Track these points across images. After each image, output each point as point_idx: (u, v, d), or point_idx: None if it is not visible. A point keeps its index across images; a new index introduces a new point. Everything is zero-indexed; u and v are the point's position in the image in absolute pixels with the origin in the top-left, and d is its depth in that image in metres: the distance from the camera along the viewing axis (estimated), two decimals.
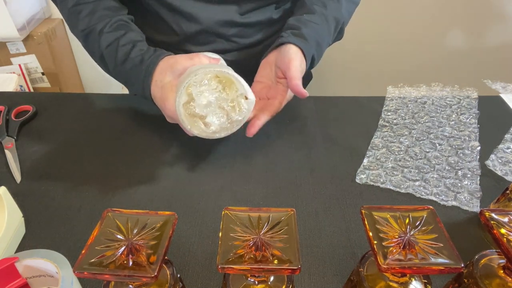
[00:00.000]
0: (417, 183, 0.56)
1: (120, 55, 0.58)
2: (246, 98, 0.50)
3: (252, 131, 0.55)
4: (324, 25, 0.62)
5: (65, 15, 0.63)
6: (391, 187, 0.55)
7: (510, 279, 0.33)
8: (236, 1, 0.65)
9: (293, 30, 0.60)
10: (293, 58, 0.56)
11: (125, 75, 0.59)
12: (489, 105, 0.73)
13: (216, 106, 0.50)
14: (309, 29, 0.60)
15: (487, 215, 0.34)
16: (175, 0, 0.63)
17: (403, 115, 0.69)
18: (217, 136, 0.51)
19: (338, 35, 0.68)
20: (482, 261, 0.36)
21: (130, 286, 0.33)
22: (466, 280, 0.36)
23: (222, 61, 0.57)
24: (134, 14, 0.66)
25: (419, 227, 0.33)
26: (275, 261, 0.30)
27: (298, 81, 0.55)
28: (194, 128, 0.50)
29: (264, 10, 0.69)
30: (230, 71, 0.50)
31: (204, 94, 0.49)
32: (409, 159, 0.60)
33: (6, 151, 0.61)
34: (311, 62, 0.61)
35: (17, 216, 0.48)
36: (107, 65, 0.61)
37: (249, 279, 0.34)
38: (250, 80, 0.56)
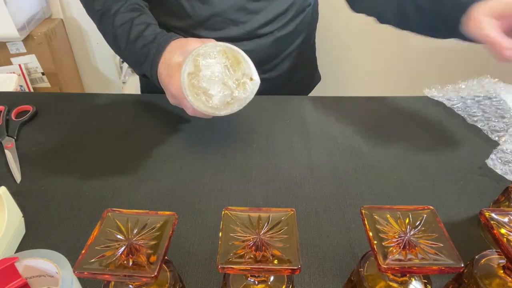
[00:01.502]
0: None
1: (134, 33, 0.59)
2: (251, 80, 0.51)
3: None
4: None
5: None
6: None
7: (510, 279, 0.33)
8: None
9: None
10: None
11: (135, 53, 0.60)
12: None
13: (220, 80, 0.50)
14: None
15: (487, 215, 0.34)
16: None
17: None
18: (217, 113, 0.51)
19: None
20: (482, 261, 0.36)
21: (130, 286, 0.33)
22: (466, 280, 0.36)
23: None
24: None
25: (419, 227, 0.33)
26: (275, 261, 0.30)
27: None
28: (195, 100, 0.50)
29: (279, 0, 0.70)
30: (240, 50, 0.50)
31: (211, 67, 0.50)
32: None
33: (6, 151, 0.61)
34: None
35: (17, 216, 0.48)
36: (119, 44, 0.62)
37: (249, 279, 0.34)
38: (259, 70, 0.57)
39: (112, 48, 0.66)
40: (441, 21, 0.59)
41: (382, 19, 0.70)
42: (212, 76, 0.50)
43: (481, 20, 0.48)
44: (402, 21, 0.66)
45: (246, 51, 0.72)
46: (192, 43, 0.54)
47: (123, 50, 0.62)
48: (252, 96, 0.51)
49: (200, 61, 0.49)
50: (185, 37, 0.59)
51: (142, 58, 0.59)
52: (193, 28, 0.71)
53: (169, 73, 0.54)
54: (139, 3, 0.64)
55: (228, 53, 0.50)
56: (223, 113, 0.51)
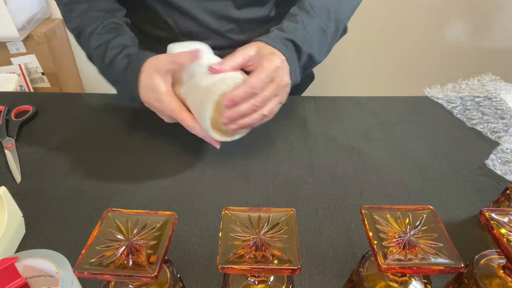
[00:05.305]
0: None
1: (108, 58, 0.58)
2: None
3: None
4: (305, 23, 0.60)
5: (61, 11, 0.65)
6: None
7: (510, 279, 0.33)
8: None
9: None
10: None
11: (112, 77, 0.60)
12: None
13: None
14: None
15: (487, 215, 0.34)
16: None
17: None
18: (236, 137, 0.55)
19: (339, 24, 0.64)
20: (482, 261, 0.36)
21: (130, 286, 0.33)
22: (466, 280, 0.36)
23: (205, 47, 0.57)
24: (130, 9, 0.66)
25: (419, 227, 0.33)
26: (275, 261, 0.30)
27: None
28: (222, 137, 0.53)
29: (261, 6, 0.69)
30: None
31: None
32: None
33: (6, 151, 0.61)
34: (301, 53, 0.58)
35: (17, 216, 0.48)
36: (95, 65, 0.62)
37: (249, 279, 0.34)
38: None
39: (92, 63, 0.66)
40: None
41: None
42: None
43: (250, 46, 0.54)
44: None
45: None
46: (162, 58, 0.54)
47: (99, 72, 0.62)
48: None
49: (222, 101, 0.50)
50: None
51: (119, 83, 0.59)
52: (177, 39, 0.70)
53: (157, 99, 0.53)
54: (118, 21, 0.62)
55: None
56: (236, 137, 0.55)
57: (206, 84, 0.51)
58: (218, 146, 0.55)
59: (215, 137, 0.52)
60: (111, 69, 0.58)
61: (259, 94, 0.51)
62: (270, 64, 0.51)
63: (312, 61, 0.61)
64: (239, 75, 0.52)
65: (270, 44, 0.55)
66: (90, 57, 0.62)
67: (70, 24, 0.62)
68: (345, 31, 0.67)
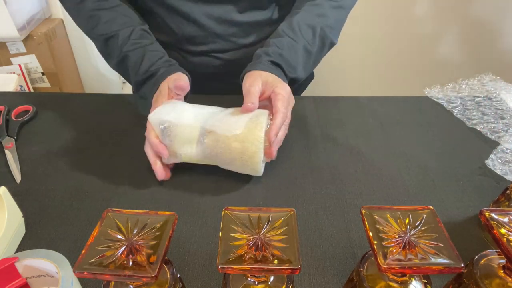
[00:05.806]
0: None
1: (148, 60, 0.61)
2: None
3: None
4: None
5: (82, 21, 0.65)
6: None
7: (510, 279, 0.33)
8: (232, 0, 0.65)
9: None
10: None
11: (144, 75, 0.62)
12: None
13: None
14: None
15: (487, 215, 0.34)
16: (173, 0, 0.63)
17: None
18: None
19: (325, 40, 0.66)
20: (482, 261, 0.36)
21: (130, 286, 0.33)
22: (466, 280, 0.36)
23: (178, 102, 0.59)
24: None
25: (419, 227, 0.33)
26: (275, 261, 0.30)
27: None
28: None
29: (263, 10, 0.69)
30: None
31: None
32: None
33: (6, 151, 0.61)
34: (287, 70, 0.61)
35: (17, 216, 0.48)
36: (127, 67, 0.63)
37: (249, 279, 0.34)
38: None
39: (115, 68, 0.67)
40: None
41: None
42: None
43: (256, 79, 0.56)
44: None
45: (235, 61, 0.73)
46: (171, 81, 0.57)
47: (130, 71, 0.63)
48: None
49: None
50: (172, 52, 0.62)
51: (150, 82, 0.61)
52: (179, 43, 0.70)
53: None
54: (146, 29, 0.65)
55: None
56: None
57: (240, 133, 0.51)
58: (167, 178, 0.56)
59: (261, 170, 0.54)
60: (149, 70, 0.60)
61: (287, 117, 0.56)
62: (285, 90, 0.55)
63: (294, 82, 0.64)
64: (259, 112, 0.53)
65: (266, 71, 0.58)
66: (122, 60, 0.63)
67: (99, 31, 0.63)
68: (332, 45, 0.68)
